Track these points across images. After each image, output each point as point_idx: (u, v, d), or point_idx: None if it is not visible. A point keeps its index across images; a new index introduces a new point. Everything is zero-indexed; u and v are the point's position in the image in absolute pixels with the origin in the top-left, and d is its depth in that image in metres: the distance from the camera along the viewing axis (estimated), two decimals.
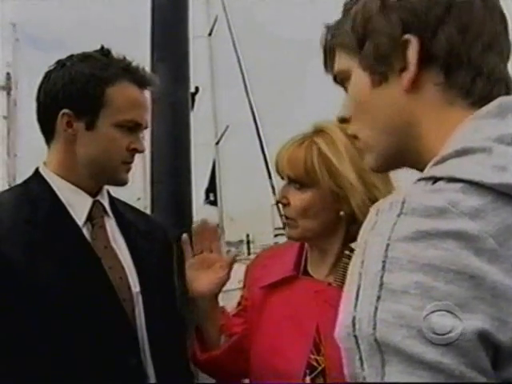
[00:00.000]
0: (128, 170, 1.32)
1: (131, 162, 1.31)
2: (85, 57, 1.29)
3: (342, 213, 1.26)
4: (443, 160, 0.60)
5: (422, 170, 0.69)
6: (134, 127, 1.29)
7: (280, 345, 1.27)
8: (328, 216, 1.27)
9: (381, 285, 0.53)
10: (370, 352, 0.52)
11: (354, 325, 0.53)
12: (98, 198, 1.32)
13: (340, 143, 1.25)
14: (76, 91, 1.25)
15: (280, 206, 1.32)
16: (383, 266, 0.53)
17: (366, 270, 0.55)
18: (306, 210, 1.27)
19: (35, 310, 1.14)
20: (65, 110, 1.25)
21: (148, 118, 1.33)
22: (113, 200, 1.38)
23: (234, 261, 1.41)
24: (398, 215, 0.55)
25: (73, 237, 1.25)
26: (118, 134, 1.26)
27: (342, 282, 1.26)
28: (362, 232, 0.59)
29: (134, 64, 1.30)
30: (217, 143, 20.13)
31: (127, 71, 1.28)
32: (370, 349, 0.52)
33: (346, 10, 0.74)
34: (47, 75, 1.29)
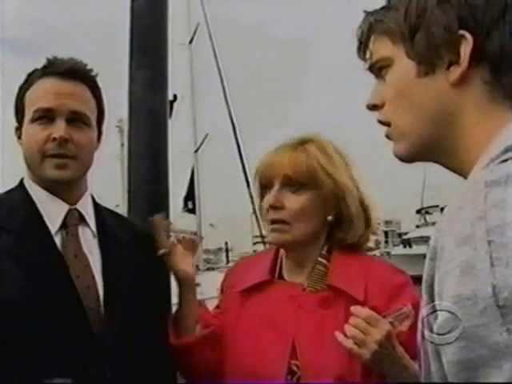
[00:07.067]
0: (57, 166, 1.27)
1: (57, 156, 1.27)
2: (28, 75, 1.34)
3: (329, 217, 1.29)
4: None
5: (449, 165, 0.70)
6: (49, 117, 1.27)
7: (259, 348, 1.28)
8: (318, 220, 1.30)
9: None
10: None
11: (495, 294, 0.51)
12: (77, 205, 1.32)
13: (331, 151, 1.31)
14: (14, 107, 1.32)
15: (271, 211, 1.31)
16: None
17: (497, 237, 0.53)
18: (301, 213, 1.28)
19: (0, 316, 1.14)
20: (15, 126, 1.33)
21: (72, 104, 1.28)
22: (98, 208, 1.38)
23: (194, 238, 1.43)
24: None
25: (44, 244, 1.25)
26: (34, 129, 1.28)
27: (315, 287, 1.28)
28: (466, 205, 0.57)
29: (61, 59, 1.31)
30: (196, 151, 20.10)
31: (47, 68, 1.30)
32: None
33: None
34: None
